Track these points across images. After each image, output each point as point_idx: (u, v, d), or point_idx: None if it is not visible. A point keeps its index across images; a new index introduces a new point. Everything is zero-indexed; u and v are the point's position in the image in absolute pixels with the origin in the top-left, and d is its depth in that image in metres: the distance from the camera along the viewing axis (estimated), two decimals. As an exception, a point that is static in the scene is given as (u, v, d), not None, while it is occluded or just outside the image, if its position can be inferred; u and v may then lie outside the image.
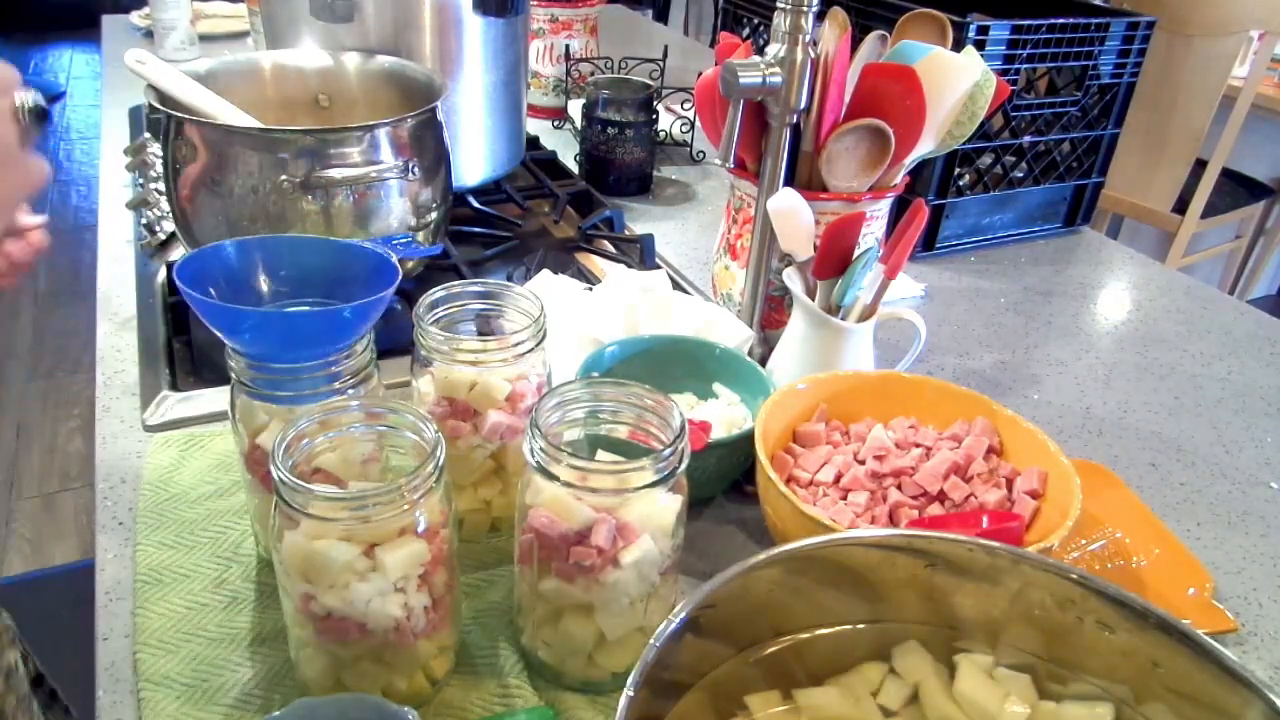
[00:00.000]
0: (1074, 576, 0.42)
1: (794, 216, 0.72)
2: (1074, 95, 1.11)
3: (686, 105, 1.39)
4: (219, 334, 0.52)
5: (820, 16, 0.72)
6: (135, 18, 1.81)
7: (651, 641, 0.37)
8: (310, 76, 0.90)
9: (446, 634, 0.53)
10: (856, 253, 0.71)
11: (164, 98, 0.77)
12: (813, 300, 0.72)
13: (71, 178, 3.61)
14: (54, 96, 4.30)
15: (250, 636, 0.56)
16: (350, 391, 0.54)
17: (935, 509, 0.61)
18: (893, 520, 0.61)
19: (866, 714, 0.44)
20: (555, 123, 1.47)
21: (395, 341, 0.79)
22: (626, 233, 1.08)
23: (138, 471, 0.68)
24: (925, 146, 0.76)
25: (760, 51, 0.73)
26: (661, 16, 4.25)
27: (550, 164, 1.24)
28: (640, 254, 1.00)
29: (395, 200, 0.77)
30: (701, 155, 1.36)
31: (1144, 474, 0.78)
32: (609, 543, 0.48)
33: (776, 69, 0.70)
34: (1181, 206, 2.36)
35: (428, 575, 0.49)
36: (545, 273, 0.88)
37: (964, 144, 0.80)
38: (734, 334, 0.78)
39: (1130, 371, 0.92)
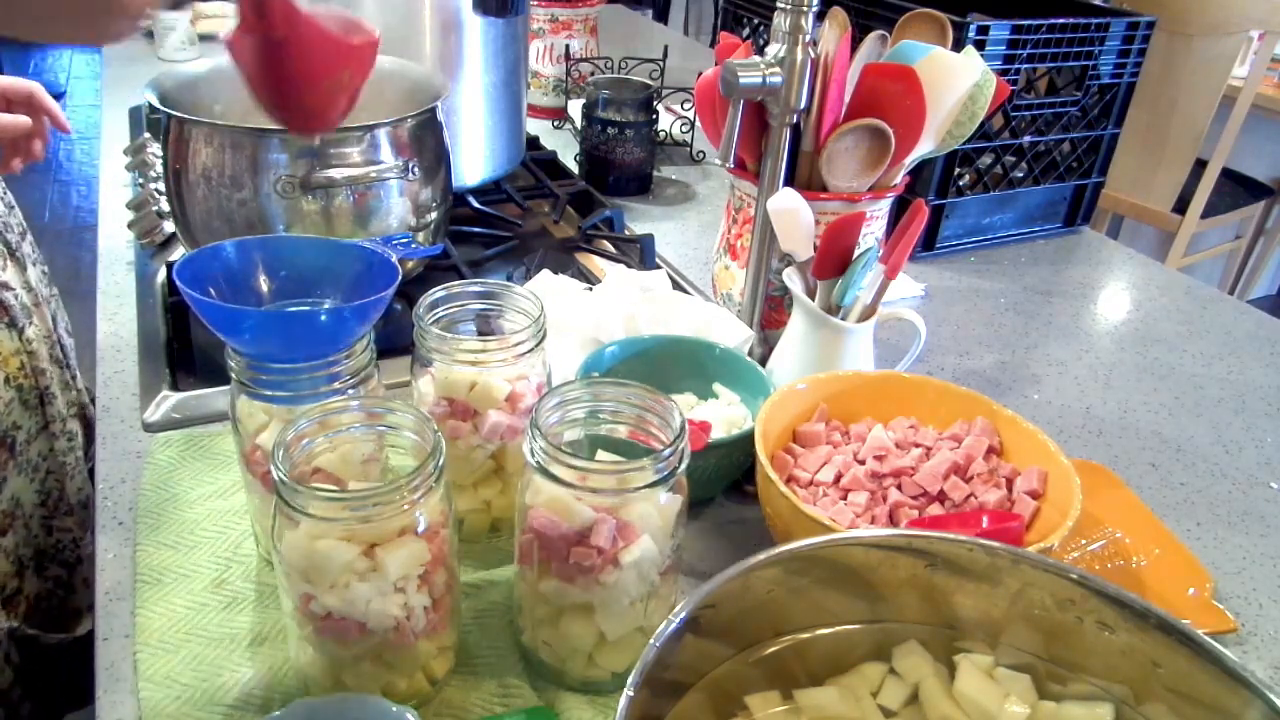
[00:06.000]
0: (1074, 576, 0.42)
1: (794, 216, 0.72)
2: (1074, 95, 1.11)
3: (686, 105, 1.39)
4: (219, 334, 0.52)
5: (820, 16, 0.72)
6: (135, 18, 1.81)
7: (651, 641, 0.37)
8: (310, 76, 0.90)
9: (446, 634, 0.53)
10: (856, 253, 0.71)
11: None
12: (813, 300, 0.72)
13: (71, 178, 3.61)
14: (54, 96, 4.30)
15: (250, 636, 0.56)
16: (350, 391, 0.54)
17: (935, 509, 0.61)
18: (893, 520, 0.61)
19: (866, 714, 0.44)
20: (555, 123, 1.47)
21: (395, 341, 0.79)
22: (626, 233, 1.08)
23: (138, 471, 0.68)
24: (925, 146, 0.76)
25: (760, 51, 0.73)
26: (661, 16, 4.25)
27: (550, 164, 1.24)
28: (640, 254, 1.00)
29: (395, 200, 0.77)
30: (701, 155, 1.36)
31: (1144, 474, 0.78)
32: (609, 543, 0.48)
33: (776, 69, 0.70)
34: (1181, 206, 2.36)
35: (428, 575, 0.49)
36: (545, 273, 0.88)
37: (964, 144, 0.80)
38: (734, 334, 0.78)
39: (1130, 371, 0.92)
